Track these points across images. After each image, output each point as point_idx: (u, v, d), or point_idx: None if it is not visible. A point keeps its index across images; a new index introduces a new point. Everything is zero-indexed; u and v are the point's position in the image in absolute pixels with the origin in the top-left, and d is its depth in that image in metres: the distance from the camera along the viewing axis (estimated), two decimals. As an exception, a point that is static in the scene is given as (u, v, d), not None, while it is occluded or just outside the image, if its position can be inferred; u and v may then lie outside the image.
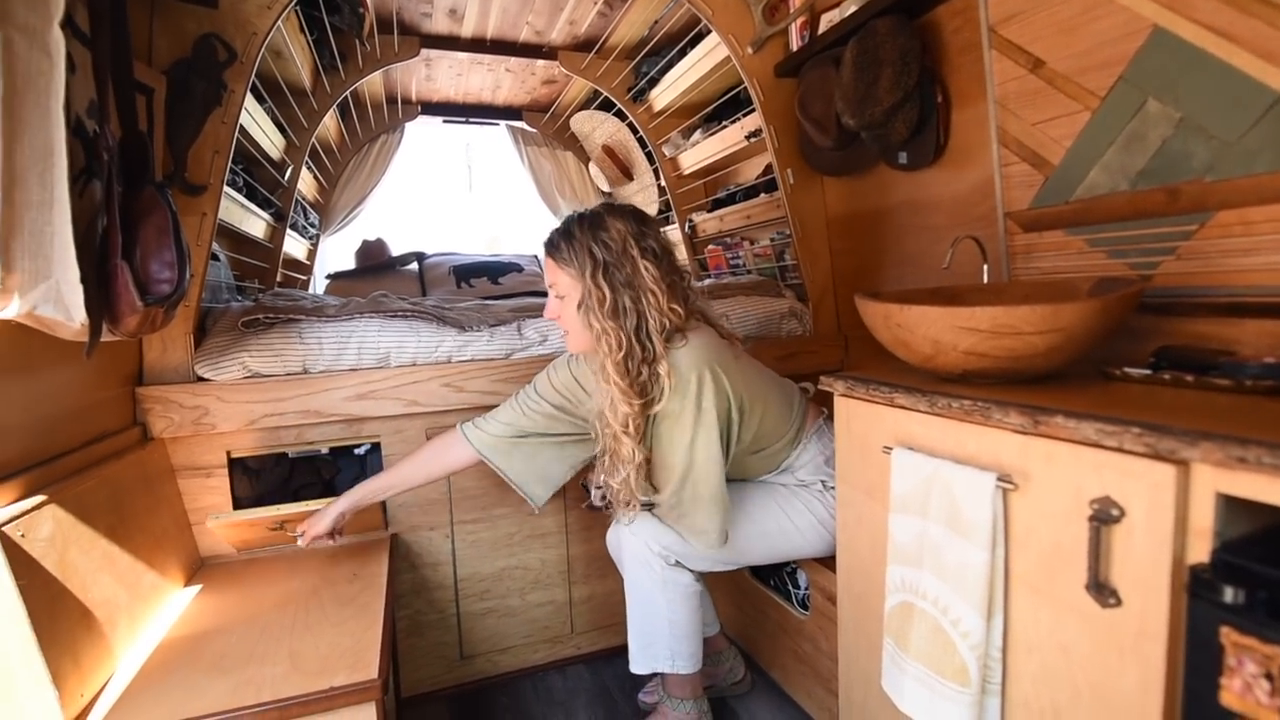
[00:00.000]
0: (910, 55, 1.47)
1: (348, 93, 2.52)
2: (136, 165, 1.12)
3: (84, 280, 0.90)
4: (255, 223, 2.24)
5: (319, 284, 3.19)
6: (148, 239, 1.05)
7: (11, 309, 0.87)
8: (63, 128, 0.88)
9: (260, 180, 2.29)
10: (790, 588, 1.70)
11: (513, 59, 2.76)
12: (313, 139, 2.53)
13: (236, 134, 1.54)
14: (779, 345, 1.99)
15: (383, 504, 1.65)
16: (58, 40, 0.89)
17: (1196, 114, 1.07)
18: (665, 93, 2.64)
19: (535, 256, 3.26)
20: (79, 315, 0.89)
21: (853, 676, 1.25)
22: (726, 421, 1.27)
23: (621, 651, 1.87)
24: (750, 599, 1.81)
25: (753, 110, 2.07)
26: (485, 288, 2.88)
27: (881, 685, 1.07)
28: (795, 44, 1.90)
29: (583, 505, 1.72)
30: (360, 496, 1.42)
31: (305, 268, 3.07)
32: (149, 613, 1.25)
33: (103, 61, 1.05)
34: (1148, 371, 0.99)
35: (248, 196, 2.12)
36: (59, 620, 0.98)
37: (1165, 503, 0.71)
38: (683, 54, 2.41)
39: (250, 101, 2.00)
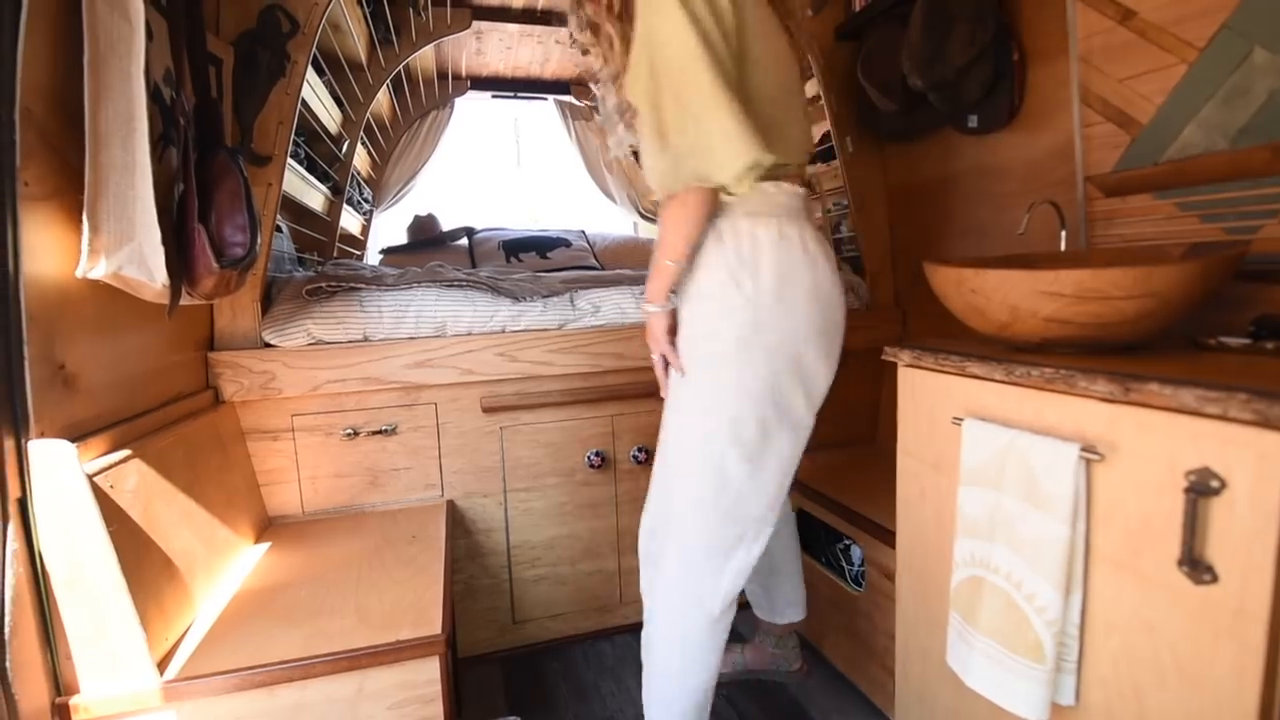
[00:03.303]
0: (985, 9, 1.39)
1: (400, 68, 2.54)
2: (210, 132, 1.15)
3: (164, 243, 0.93)
4: (314, 196, 2.29)
5: (373, 258, 3.26)
6: (222, 203, 1.08)
7: (99, 269, 0.91)
8: (144, 93, 0.91)
9: (319, 154, 2.34)
10: (844, 564, 1.68)
11: (563, 30, 2.73)
12: (368, 114, 2.56)
13: (299, 106, 1.57)
14: (834, 319, 1.95)
15: (440, 466, 1.69)
16: (138, 7, 0.92)
17: (1311, 62, 0.98)
18: (717, 61, 2.58)
19: (583, 231, 3.26)
20: (161, 276, 0.93)
21: (911, 652, 1.22)
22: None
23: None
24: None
25: (810, 76, 2.00)
26: (534, 262, 2.89)
27: (946, 661, 1.04)
28: (859, 4, 1.82)
29: None
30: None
31: (359, 242, 3.13)
32: (223, 566, 1.30)
33: (178, 30, 1.07)
34: (1247, 341, 0.93)
35: (308, 169, 2.17)
36: (145, 568, 1.04)
37: (1274, 474, 0.66)
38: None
39: (310, 74, 2.04)
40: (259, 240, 1.12)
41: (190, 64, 1.11)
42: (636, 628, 1.86)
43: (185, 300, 1.10)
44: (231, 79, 1.44)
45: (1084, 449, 0.83)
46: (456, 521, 1.73)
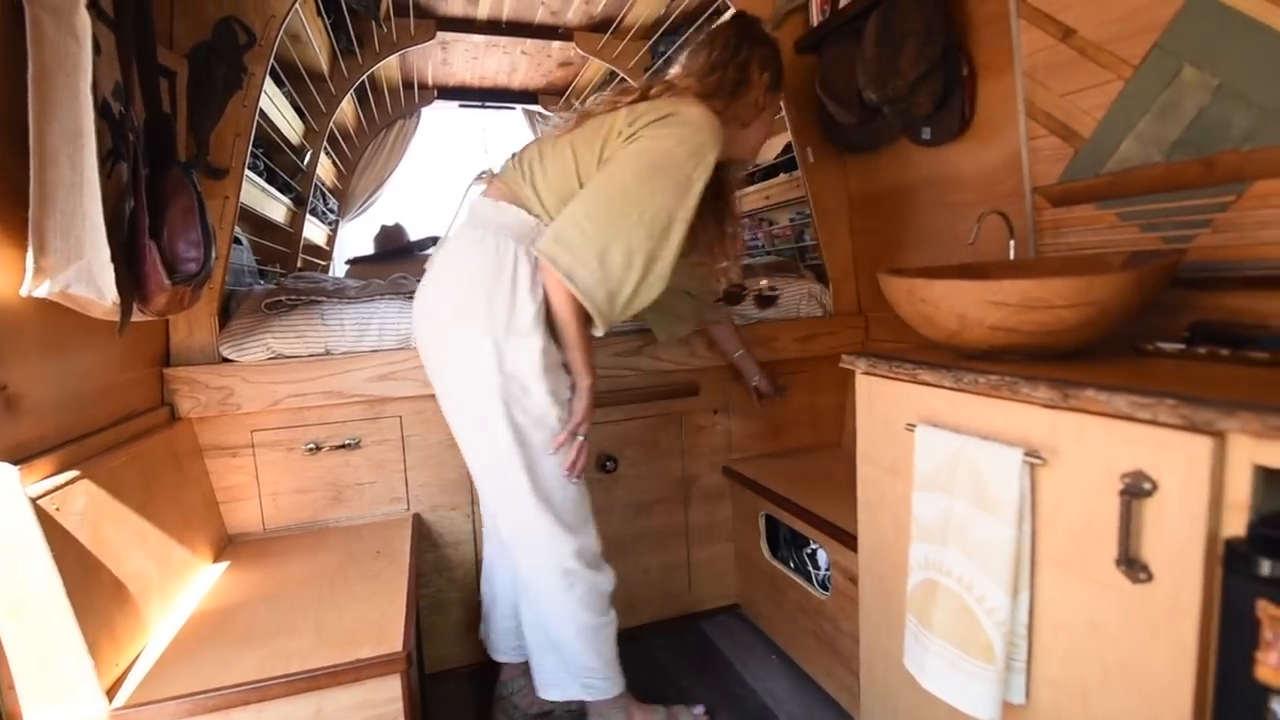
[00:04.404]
0: (934, 26, 1.43)
1: (365, 78, 2.53)
2: (162, 147, 1.13)
3: (113, 259, 0.91)
4: (276, 207, 2.26)
5: (339, 269, 3.22)
6: (174, 219, 1.06)
7: (44, 289, 0.89)
8: (91, 109, 0.90)
9: (280, 165, 2.31)
10: (810, 568, 1.70)
11: (528, 41, 2.75)
12: (331, 124, 2.55)
13: (257, 118, 1.56)
14: (798, 326, 1.98)
15: (406, 479, 1.68)
16: (84, 21, 0.91)
17: (1235, 80, 1.03)
18: (682, 73, 2.61)
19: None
20: (110, 294, 0.91)
21: (874, 655, 1.24)
22: None
23: (642, 633, 1.90)
24: (770, 579, 1.81)
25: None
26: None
27: (903, 663, 1.07)
28: (815, 19, 1.86)
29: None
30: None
31: (325, 253, 3.10)
32: (179, 587, 1.27)
33: (127, 43, 1.06)
34: (1181, 346, 0.97)
35: (268, 181, 2.14)
36: (94, 592, 1.01)
37: (1200, 475, 0.69)
38: (700, 32, 2.38)
39: (269, 86, 2.02)
40: (213, 255, 1.11)
41: (140, 77, 1.09)
42: (607, 638, 1.86)
43: (137, 317, 1.08)
44: (185, 92, 1.42)
45: (1028, 454, 0.86)
46: (423, 535, 1.71)
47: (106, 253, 0.89)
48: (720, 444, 1.97)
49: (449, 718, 1.60)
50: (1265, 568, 0.64)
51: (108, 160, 0.97)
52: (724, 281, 1.53)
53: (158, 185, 1.08)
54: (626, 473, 1.87)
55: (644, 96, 1.23)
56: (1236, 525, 0.68)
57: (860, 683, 1.29)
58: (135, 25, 1.07)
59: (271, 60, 1.56)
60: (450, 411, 1.31)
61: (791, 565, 1.75)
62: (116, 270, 0.91)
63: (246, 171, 1.64)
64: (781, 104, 1.97)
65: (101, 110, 0.95)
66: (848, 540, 1.41)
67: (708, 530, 1.97)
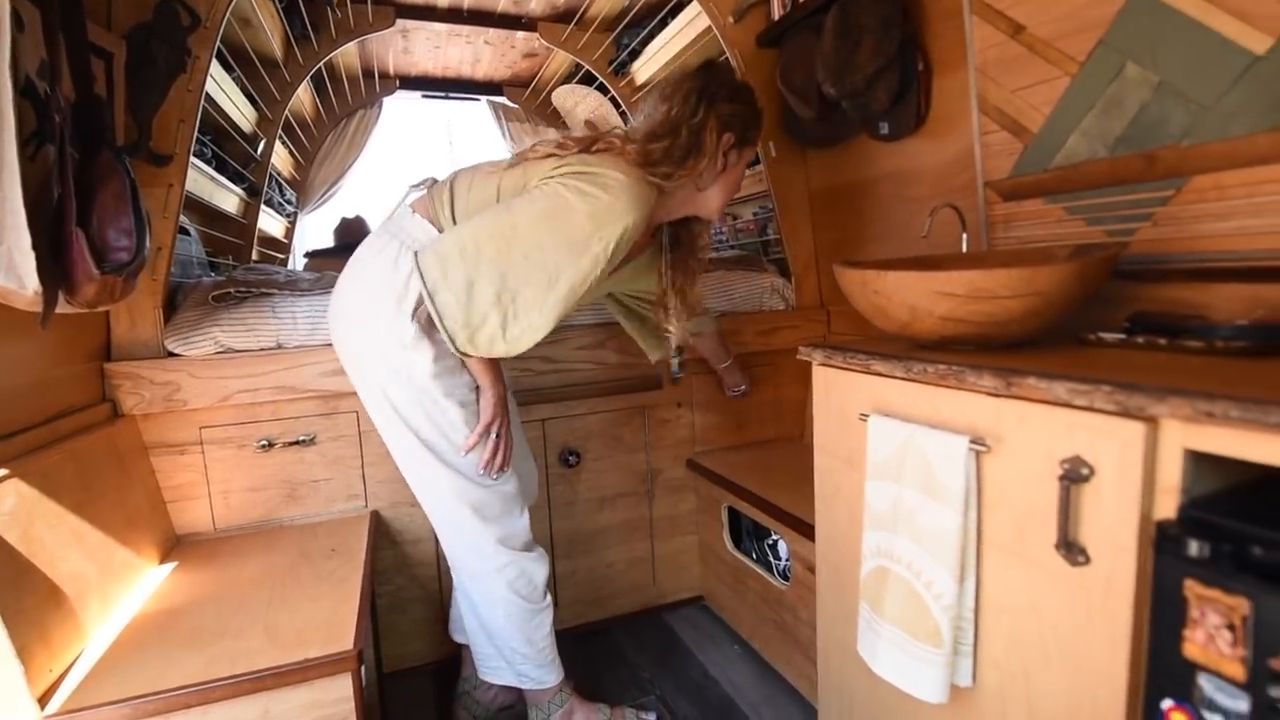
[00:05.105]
0: (891, 22, 1.45)
1: (321, 65, 2.46)
2: (92, 130, 1.08)
3: (36, 247, 0.87)
4: (227, 197, 2.19)
5: (298, 262, 3.14)
6: (104, 205, 1.02)
7: (-39, 276, 0.84)
8: (9, 87, 0.85)
9: (231, 153, 2.24)
10: (771, 559, 1.72)
11: (491, 30, 2.71)
12: (286, 112, 2.47)
13: (203, 103, 1.50)
14: (761, 320, 1.99)
15: (363, 475, 1.65)
16: (2, -6, 0.86)
17: (1174, 78, 1.06)
18: (647, 65, 2.61)
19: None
20: (31, 283, 0.87)
21: (830, 643, 1.26)
22: None
23: (606, 627, 1.90)
24: (733, 571, 1.82)
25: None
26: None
27: (857, 650, 1.08)
28: (777, 12, 1.87)
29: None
30: None
31: (283, 246, 3.02)
32: (121, 589, 1.23)
33: (53, 20, 1.01)
34: (1122, 336, 1.00)
35: (218, 169, 2.07)
36: (25, 595, 0.97)
37: (1134, 460, 0.71)
38: (663, 24, 2.37)
39: (218, 70, 1.96)
40: (147, 244, 1.06)
41: (70, 57, 1.04)
42: (573, 632, 1.85)
43: (64, 309, 1.03)
44: (125, 74, 1.36)
45: (973, 441, 0.87)
46: (383, 532, 1.68)
47: (28, 239, 0.85)
48: (684, 437, 1.97)
49: (410, 716, 1.57)
50: (1193, 548, 0.66)
51: (30, 142, 0.93)
52: (670, 336, 1.47)
53: (88, 170, 1.03)
54: (590, 466, 1.86)
55: (586, 150, 1.17)
56: (1168, 508, 0.70)
57: (818, 670, 1.30)
58: (62, 2, 1.02)
59: (218, 43, 1.51)
60: (367, 409, 1.31)
61: (754, 556, 1.77)
62: (40, 258, 0.86)
63: (193, 159, 1.59)
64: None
65: (24, 89, 0.90)
66: (806, 530, 1.43)
67: (671, 523, 1.98)
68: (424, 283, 1.10)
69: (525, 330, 1.13)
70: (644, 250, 1.41)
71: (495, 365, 1.24)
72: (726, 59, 1.28)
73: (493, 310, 1.10)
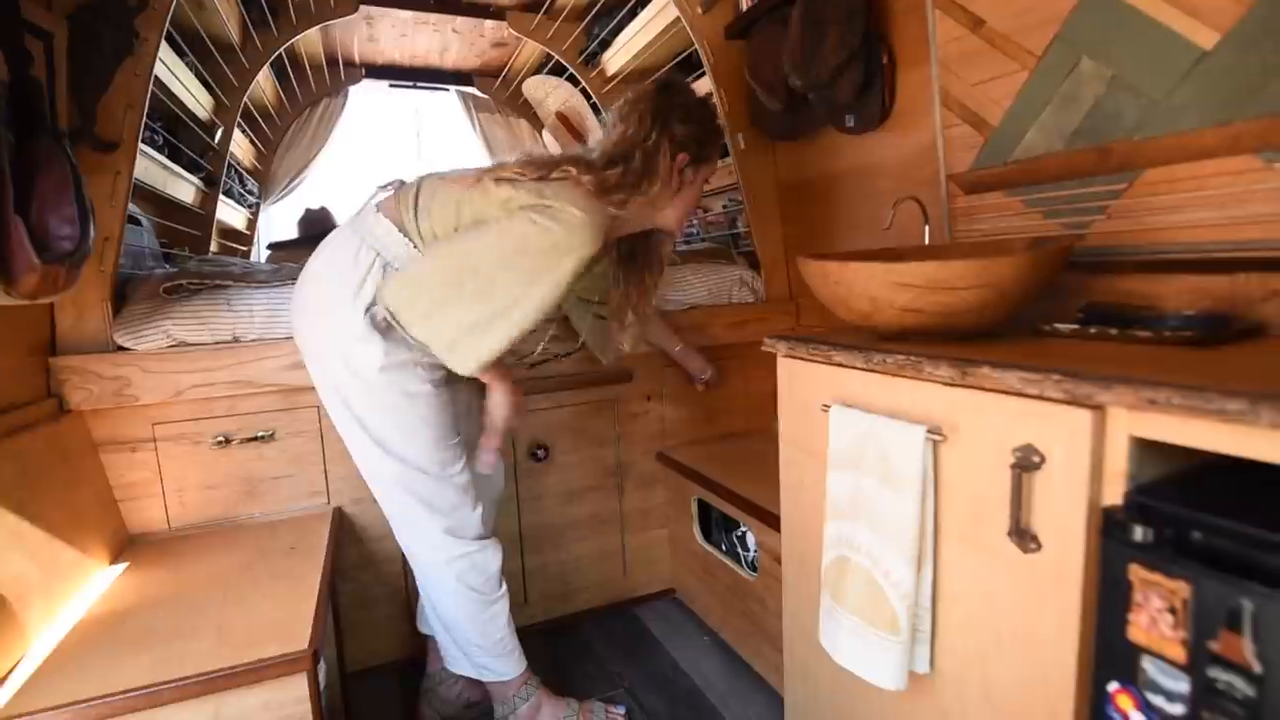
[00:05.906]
0: (855, 14, 1.45)
1: (282, 51, 2.40)
2: (30, 114, 1.04)
3: (-34, 234, 0.83)
4: (183, 187, 2.12)
5: (261, 254, 3.07)
6: (44, 193, 0.97)
7: (-117, 265, 0.80)
8: (-66, 66, 0.81)
9: (186, 141, 2.17)
10: (740, 550, 1.72)
11: (459, 19, 2.66)
12: (245, 100, 2.40)
13: (152, 87, 1.45)
14: (731, 312, 1.99)
15: (325, 472, 1.62)
16: (-76, -32, 0.81)
17: (1127, 72, 1.08)
18: (617, 56, 2.59)
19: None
20: (-38, 272, 0.83)
21: (795, 633, 1.26)
22: None
23: (576, 621, 1.89)
24: (702, 562, 1.82)
25: (703, 74, 2.03)
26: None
27: (819, 640, 1.09)
28: (745, 4, 1.86)
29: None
30: None
31: (245, 238, 2.95)
32: (67, 591, 1.19)
33: (-17, -3, 0.96)
34: (1076, 326, 1.01)
35: (171, 157, 2.00)
36: (-41, 599, 0.93)
37: (1082, 447, 0.72)
38: (633, 14, 2.35)
39: (169, 54, 1.89)
40: (92, 233, 1.02)
41: (2, 37, 1.00)
42: (542, 627, 1.84)
43: (4, 300, 0.99)
44: (67, 56, 1.30)
45: (930, 430, 0.88)
46: (345, 529, 1.65)
47: (-43, 227, 0.81)
48: (654, 430, 1.97)
49: (375, 715, 1.55)
50: (1138, 534, 0.68)
51: (-40, 126, 0.88)
52: (621, 342, 1.51)
53: (26, 156, 0.99)
54: (559, 460, 1.85)
55: (545, 178, 1.18)
56: (1115, 495, 0.72)
57: (784, 660, 1.31)
58: (-5, -22, 0.97)
59: (167, 26, 1.45)
60: (323, 401, 1.31)
61: (723, 548, 1.77)
62: (-29, 247, 0.83)
63: (143, 146, 1.53)
64: (714, 88, 1.97)
65: (-49, 70, 0.86)
66: (773, 521, 1.43)
67: (642, 516, 1.97)
68: (398, 322, 1.15)
69: (494, 341, 1.17)
70: (600, 261, 1.42)
71: (499, 367, 1.26)
72: (684, 80, 1.30)
73: (461, 332, 1.15)
